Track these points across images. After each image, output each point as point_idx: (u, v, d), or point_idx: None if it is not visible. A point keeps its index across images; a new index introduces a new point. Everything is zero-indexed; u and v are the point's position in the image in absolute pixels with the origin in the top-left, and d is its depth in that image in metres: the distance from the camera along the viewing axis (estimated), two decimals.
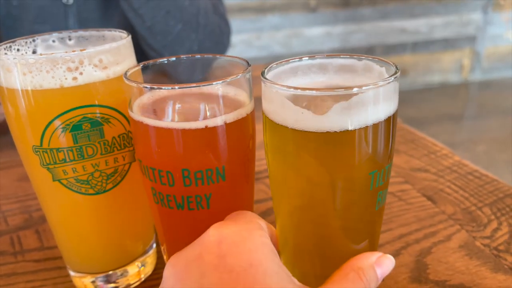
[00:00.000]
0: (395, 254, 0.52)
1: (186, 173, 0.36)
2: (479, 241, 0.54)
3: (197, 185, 0.37)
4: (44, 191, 0.43)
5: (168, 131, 0.36)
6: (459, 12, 3.50)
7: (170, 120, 0.37)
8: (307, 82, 0.42)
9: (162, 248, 0.46)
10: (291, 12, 3.20)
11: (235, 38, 2.99)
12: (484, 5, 3.51)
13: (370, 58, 0.40)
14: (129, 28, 1.02)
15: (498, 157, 2.59)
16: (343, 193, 0.36)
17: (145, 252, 0.50)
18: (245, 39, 3.17)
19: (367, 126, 0.34)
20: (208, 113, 0.37)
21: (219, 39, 1.08)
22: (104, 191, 0.43)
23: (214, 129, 0.36)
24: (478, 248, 0.52)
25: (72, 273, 0.49)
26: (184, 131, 0.36)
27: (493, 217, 0.58)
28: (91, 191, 0.42)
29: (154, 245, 0.52)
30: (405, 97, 3.51)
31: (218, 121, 0.36)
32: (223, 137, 0.37)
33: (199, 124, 0.36)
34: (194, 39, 1.02)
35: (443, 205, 0.61)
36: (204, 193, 0.37)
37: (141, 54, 1.00)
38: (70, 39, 0.47)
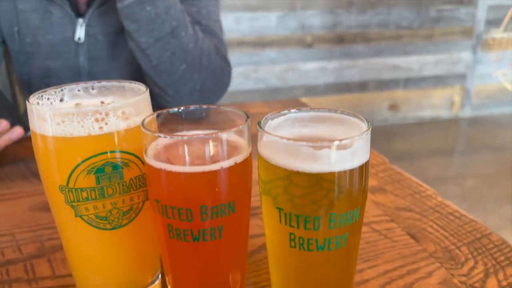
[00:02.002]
0: None
1: (204, 209, 0.43)
2: (457, 278, 0.59)
3: (212, 219, 0.43)
4: (67, 225, 0.48)
5: (191, 174, 0.42)
6: (450, 51, 3.64)
7: (189, 165, 0.43)
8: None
9: (167, 278, 0.51)
10: (287, 47, 3.31)
11: (233, 71, 3.08)
12: (473, 45, 3.66)
13: (345, 113, 0.47)
14: (136, 65, 1.09)
15: (487, 192, 2.66)
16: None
17: (152, 282, 0.55)
18: (243, 72, 3.27)
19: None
20: (220, 156, 0.43)
21: (220, 79, 1.15)
22: (120, 226, 0.48)
23: (227, 169, 0.43)
24: (455, 285, 0.57)
25: None
26: (204, 174, 0.42)
27: (470, 256, 0.63)
28: (108, 226, 0.48)
29: (160, 276, 0.57)
30: (397, 131, 3.61)
31: (231, 162, 0.43)
32: (234, 175, 0.44)
33: (215, 166, 0.43)
34: (197, 79, 1.08)
35: (425, 243, 0.66)
36: (217, 225, 0.44)
37: None
38: (93, 89, 0.53)
